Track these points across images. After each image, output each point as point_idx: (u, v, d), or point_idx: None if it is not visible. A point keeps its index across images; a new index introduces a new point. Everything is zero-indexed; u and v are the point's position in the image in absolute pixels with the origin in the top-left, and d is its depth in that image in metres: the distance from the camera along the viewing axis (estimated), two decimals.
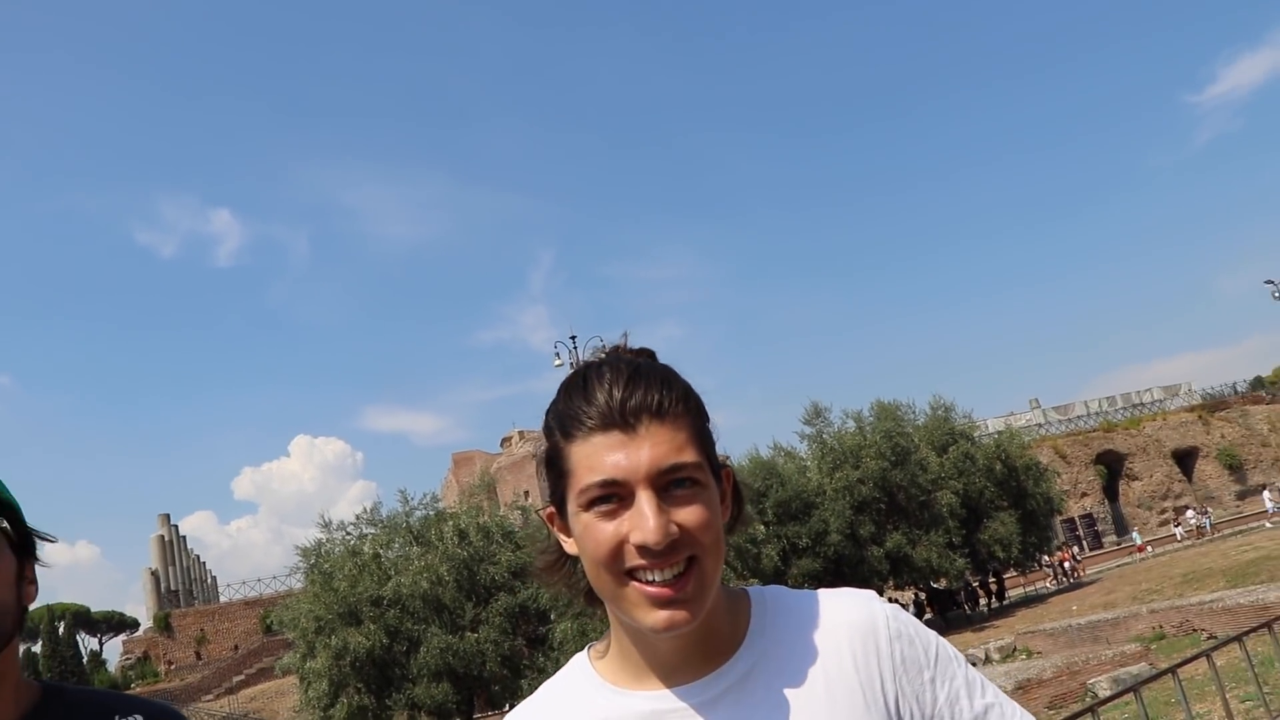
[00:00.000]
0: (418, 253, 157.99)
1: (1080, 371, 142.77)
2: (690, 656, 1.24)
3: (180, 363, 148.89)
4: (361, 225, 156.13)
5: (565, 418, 1.21)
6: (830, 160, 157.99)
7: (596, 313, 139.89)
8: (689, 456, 1.16)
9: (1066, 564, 39.69)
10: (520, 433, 75.02)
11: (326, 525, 27.90)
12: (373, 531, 27.88)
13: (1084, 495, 51.93)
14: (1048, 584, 40.14)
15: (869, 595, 1.31)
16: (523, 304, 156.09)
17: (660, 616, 1.14)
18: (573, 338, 34.74)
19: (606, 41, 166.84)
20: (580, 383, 1.21)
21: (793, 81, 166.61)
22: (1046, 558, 41.38)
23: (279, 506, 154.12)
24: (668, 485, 1.15)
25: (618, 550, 1.15)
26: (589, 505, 1.16)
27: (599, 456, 1.16)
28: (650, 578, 1.14)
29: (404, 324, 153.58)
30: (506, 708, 32.09)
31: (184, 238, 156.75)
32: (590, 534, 1.16)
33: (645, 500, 1.13)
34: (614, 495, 1.15)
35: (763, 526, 28.05)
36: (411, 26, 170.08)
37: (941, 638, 1.30)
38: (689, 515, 1.14)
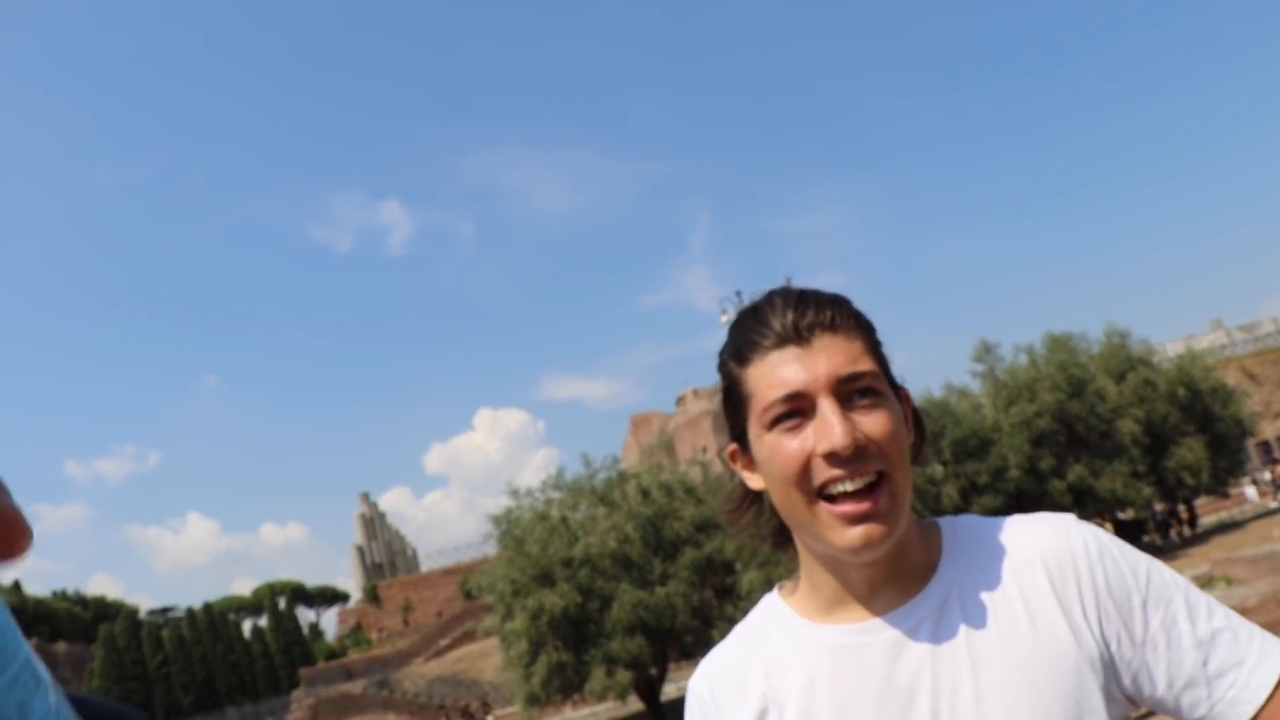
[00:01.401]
0: (578, 224, 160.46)
1: (1264, 286, 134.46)
2: (885, 586, 1.21)
3: (365, 350, 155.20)
4: (522, 203, 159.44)
5: (740, 345, 1.21)
6: (985, 96, 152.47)
7: (757, 268, 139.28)
8: (866, 365, 1.15)
9: None
10: (694, 391, 75.61)
11: (514, 493, 28.72)
12: (559, 496, 28.57)
13: (1278, 416, 49.58)
14: (1269, 501, 38.45)
15: (1066, 518, 1.23)
16: (684, 265, 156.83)
17: (856, 533, 1.12)
18: (737, 293, 35.06)
19: (741, 2, 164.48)
20: (752, 311, 1.22)
21: (936, 31, 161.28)
22: (1263, 477, 39.72)
23: (468, 478, 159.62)
24: (849, 395, 1.14)
25: (805, 465, 1.13)
26: (773, 424, 1.16)
27: (778, 373, 1.15)
28: (842, 489, 1.12)
29: (571, 294, 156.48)
30: (699, 657, 32.83)
31: (357, 231, 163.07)
32: (777, 453, 1.15)
33: (828, 408, 1.12)
34: (797, 410, 1.14)
35: (940, 466, 27.92)
36: (542, 7, 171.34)
37: (1157, 561, 1.20)
38: (873, 423, 1.13)
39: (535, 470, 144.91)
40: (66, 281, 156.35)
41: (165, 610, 79.85)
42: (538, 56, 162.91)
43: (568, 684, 25.77)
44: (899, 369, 1.24)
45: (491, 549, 31.57)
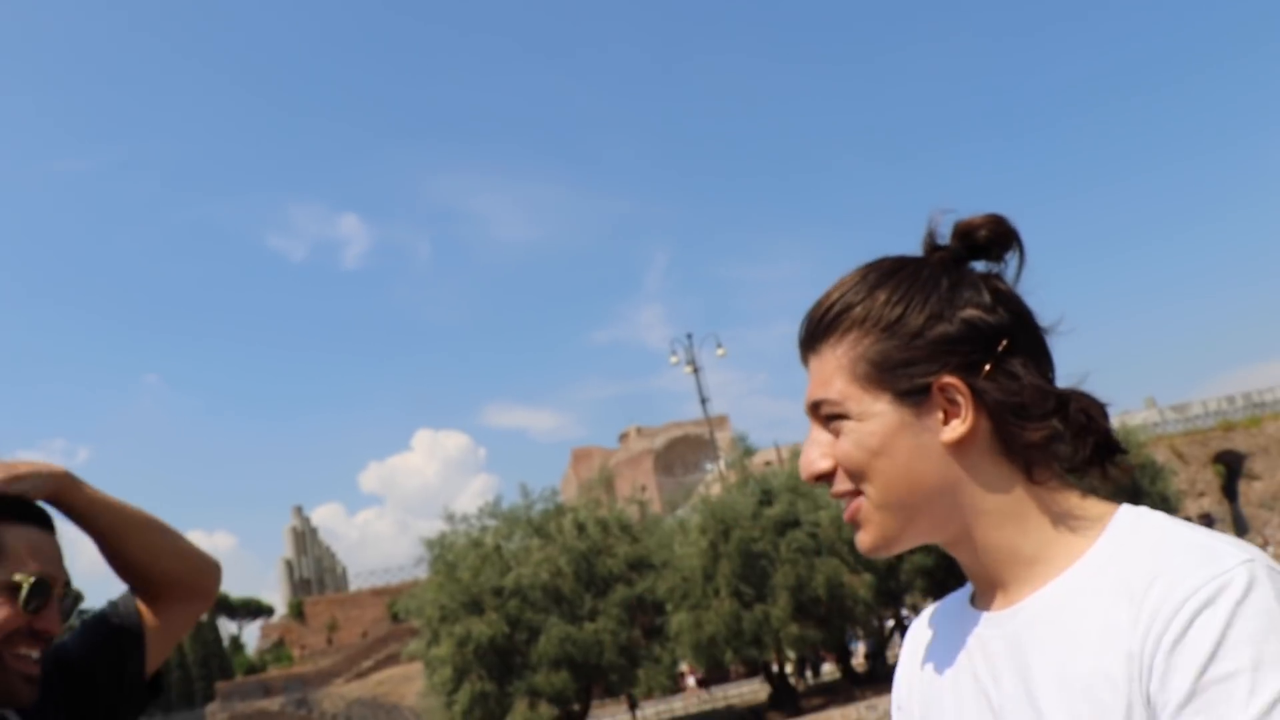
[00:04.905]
0: (535, 254, 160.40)
1: (1197, 369, 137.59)
2: (981, 581, 1.18)
3: (309, 361, 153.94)
4: (482, 228, 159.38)
5: None
6: (943, 162, 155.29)
7: (710, 311, 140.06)
8: (826, 392, 1.14)
9: None
10: (637, 429, 75.84)
11: (450, 517, 28.54)
12: (494, 524, 28.41)
13: (1201, 495, 50.48)
14: None
15: (1231, 563, 0.96)
16: (638, 304, 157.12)
17: (855, 539, 1.17)
18: (689, 335, 35.16)
19: (717, 50, 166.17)
20: None
21: (905, 95, 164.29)
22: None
23: (404, 499, 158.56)
24: (824, 419, 1.16)
25: None
26: None
27: None
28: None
29: (522, 323, 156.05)
30: (623, 696, 32.69)
31: (313, 242, 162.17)
32: None
33: (809, 434, 1.18)
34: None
35: None
36: (528, 39, 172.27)
37: (1267, 678, 0.90)
38: (837, 449, 1.14)
39: (472, 496, 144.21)
40: (8, 271, 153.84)
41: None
42: (515, 85, 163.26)
43: (489, 715, 25.55)
44: None
45: (422, 572, 31.32)
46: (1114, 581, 1.04)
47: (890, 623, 31.28)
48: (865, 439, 1.11)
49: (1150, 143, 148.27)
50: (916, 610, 31.91)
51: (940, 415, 1.11)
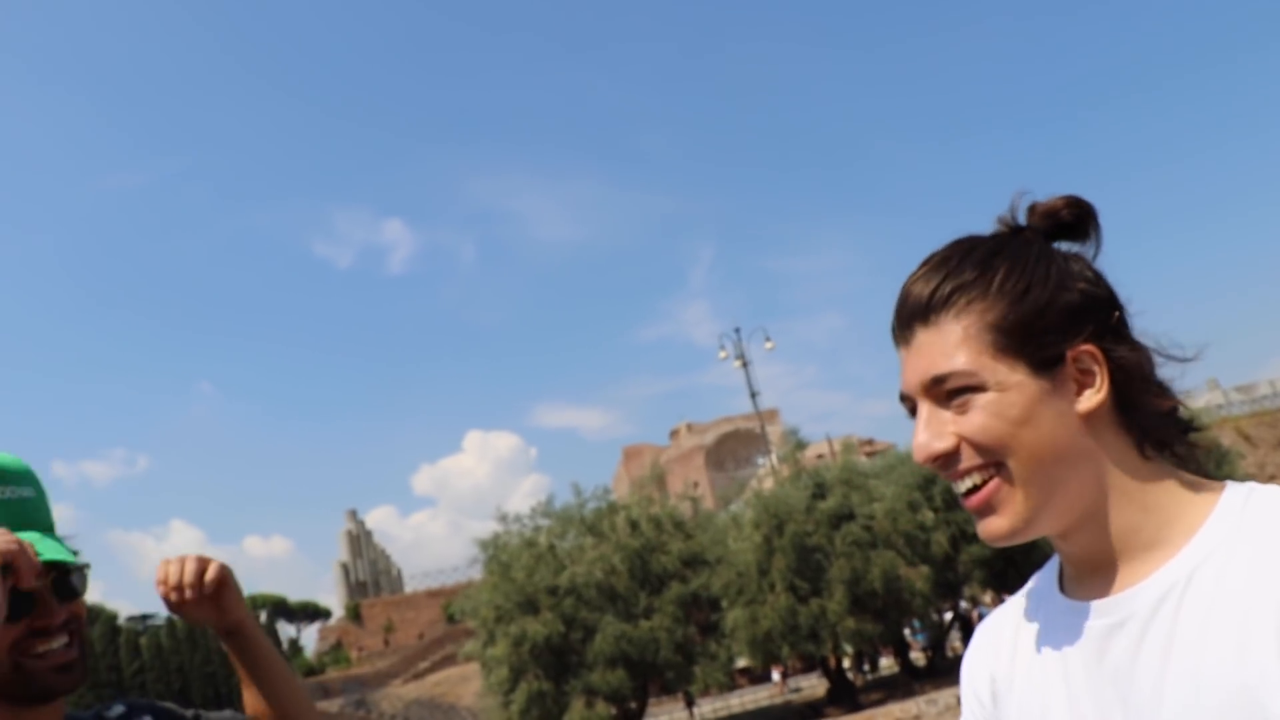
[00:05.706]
0: (580, 253, 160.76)
1: (1263, 348, 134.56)
2: (1086, 567, 1.12)
3: (359, 366, 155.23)
4: (525, 228, 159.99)
5: None
6: (990, 144, 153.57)
7: (757, 305, 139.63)
8: (953, 364, 1.08)
9: None
10: (688, 425, 75.73)
11: (503, 518, 28.60)
12: (547, 523, 28.48)
13: (1272, 478, 49.07)
14: None
15: None
16: (684, 300, 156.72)
17: (980, 527, 1.10)
18: (736, 330, 35.06)
19: (753, 39, 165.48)
20: None
21: (949, 78, 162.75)
22: None
23: (456, 500, 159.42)
24: (946, 395, 1.09)
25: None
26: (911, 416, 1.14)
27: (901, 373, 1.15)
28: (954, 488, 1.11)
29: (569, 322, 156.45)
30: (680, 693, 32.59)
31: (359, 248, 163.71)
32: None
33: (921, 415, 1.11)
34: (914, 410, 1.13)
35: (931, 513, 27.87)
36: (563, 37, 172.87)
37: None
38: (966, 425, 1.07)
39: (524, 496, 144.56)
40: (71, 279, 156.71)
41: (145, 617, 78.98)
42: (551, 84, 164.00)
43: (546, 714, 25.57)
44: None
45: (477, 573, 31.47)
46: (1250, 556, 0.99)
47: (949, 615, 30.90)
48: (1006, 409, 1.07)
49: (1217, 118, 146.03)
50: (975, 602, 31.56)
51: (1074, 385, 1.08)
